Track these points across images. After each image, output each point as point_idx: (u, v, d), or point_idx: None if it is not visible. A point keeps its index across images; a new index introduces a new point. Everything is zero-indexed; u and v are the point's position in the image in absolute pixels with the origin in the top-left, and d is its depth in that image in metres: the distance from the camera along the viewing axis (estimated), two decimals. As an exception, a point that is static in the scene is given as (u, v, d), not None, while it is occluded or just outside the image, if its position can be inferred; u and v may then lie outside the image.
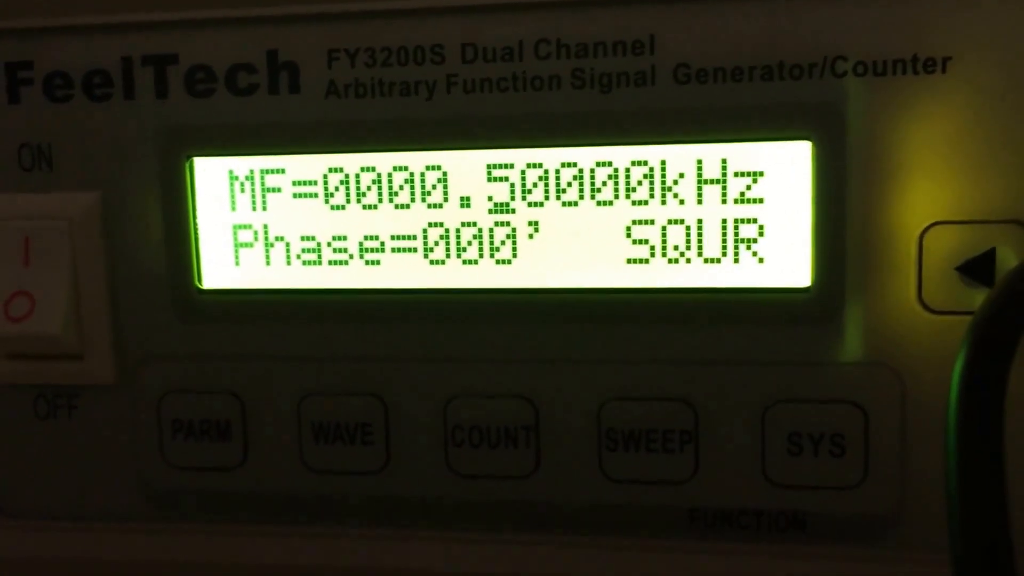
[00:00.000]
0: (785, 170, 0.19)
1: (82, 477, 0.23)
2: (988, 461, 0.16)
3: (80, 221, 0.22)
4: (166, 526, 0.23)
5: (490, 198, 0.21)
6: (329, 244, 0.21)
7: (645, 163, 0.20)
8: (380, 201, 0.21)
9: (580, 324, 0.21)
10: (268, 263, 0.22)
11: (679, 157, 0.20)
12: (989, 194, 0.19)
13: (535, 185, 0.20)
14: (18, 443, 0.23)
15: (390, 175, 0.21)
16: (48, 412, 0.23)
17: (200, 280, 0.22)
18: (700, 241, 0.20)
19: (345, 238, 0.21)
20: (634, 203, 0.20)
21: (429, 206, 0.21)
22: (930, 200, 0.19)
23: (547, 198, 0.20)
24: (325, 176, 0.21)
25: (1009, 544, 0.16)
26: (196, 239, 0.22)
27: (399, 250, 0.21)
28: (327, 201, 0.21)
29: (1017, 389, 0.16)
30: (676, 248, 0.20)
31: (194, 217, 0.22)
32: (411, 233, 0.21)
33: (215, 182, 0.21)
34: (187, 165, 0.21)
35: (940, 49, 0.19)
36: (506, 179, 0.20)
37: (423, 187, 0.21)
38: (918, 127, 0.19)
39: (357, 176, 0.21)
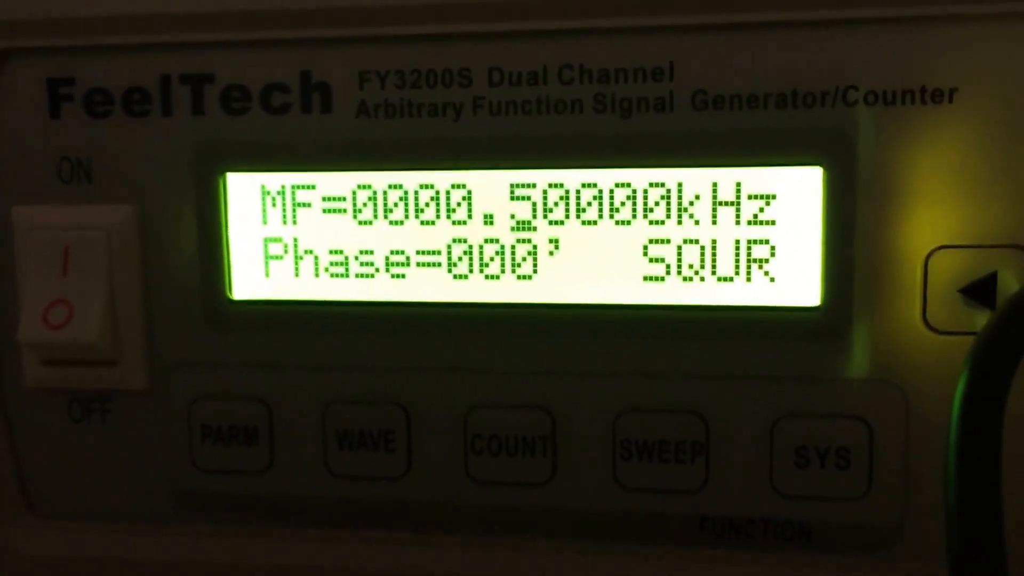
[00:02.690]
0: (797, 194, 0.21)
1: (113, 479, 0.24)
2: (986, 476, 0.17)
3: (117, 232, 0.23)
4: (194, 528, 0.24)
5: (512, 216, 0.22)
6: (356, 258, 0.22)
7: (662, 185, 0.21)
8: (406, 217, 0.22)
9: (597, 338, 0.22)
10: (297, 275, 0.23)
11: (695, 179, 0.21)
12: (991, 220, 0.20)
13: (556, 204, 0.21)
14: (52, 446, 0.24)
15: (416, 192, 0.22)
16: (81, 416, 0.24)
17: (231, 291, 0.23)
18: (714, 260, 0.21)
19: (372, 252, 0.22)
20: (651, 223, 0.21)
21: (453, 223, 0.22)
22: (935, 225, 0.20)
23: (567, 217, 0.21)
24: (354, 192, 0.22)
25: (1003, 554, 0.17)
26: (228, 251, 0.23)
27: (424, 264, 0.22)
28: (355, 216, 0.22)
29: (1016, 406, 0.17)
30: (691, 267, 0.21)
31: (226, 230, 0.23)
32: (436, 248, 0.22)
33: (247, 197, 0.23)
34: (221, 180, 0.23)
35: (947, 81, 0.20)
36: (528, 198, 0.22)
37: (448, 204, 0.22)
38: (925, 155, 0.20)
39: (385, 193, 0.22)
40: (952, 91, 0.20)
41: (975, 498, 0.17)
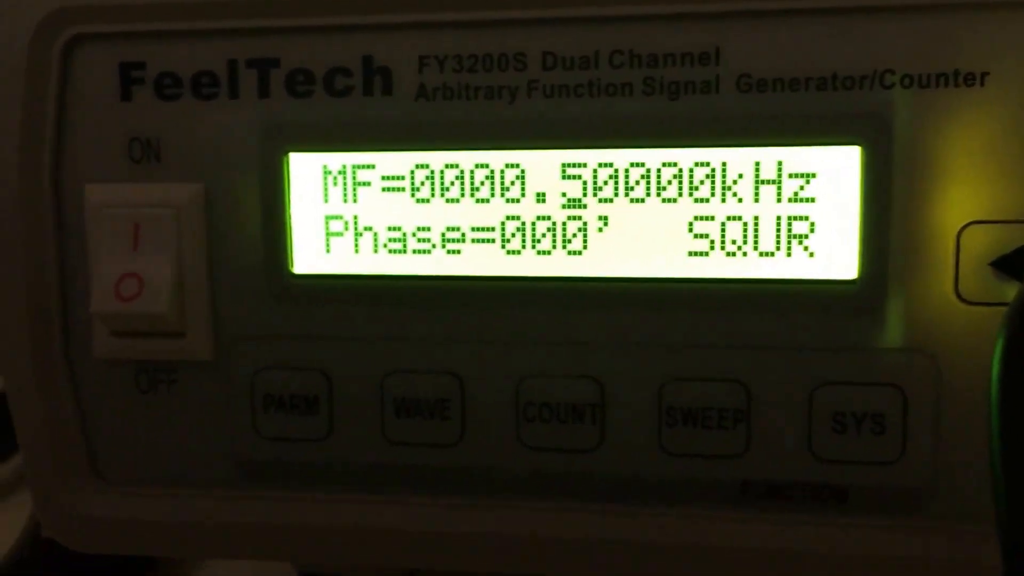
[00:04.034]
0: (836, 172, 0.23)
1: (177, 447, 0.26)
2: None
3: (185, 209, 0.25)
4: (254, 493, 0.26)
5: (564, 194, 0.24)
6: (414, 234, 0.24)
7: (707, 164, 0.23)
8: (462, 195, 0.24)
9: (644, 311, 0.24)
10: (357, 251, 0.25)
11: (739, 159, 0.23)
12: (1020, 197, 0.22)
13: (605, 183, 0.24)
14: (119, 415, 0.26)
15: (472, 172, 0.24)
16: (149, 386, 0.26)
17: (293, 265, 0.25)
18: (756, 236, 0.23)
19: (429, 229, 0.24)
20: (696, 200, 0.23)
21: (507, 200, 0.24)
22: (967, 202, 0.22)
23: (616, 195, 0.24)
24: (412, 172, 0.24)
25: None
26: (290, 228, 0.25)
27: (478, 241, 0.24)
28: (413, 195, 0.24)
29: None
30: (734, 242, 0.23)
31: (289, 208, 0.25)
32: (490, 225, 0.24)
33: (310, 176, 0.25)
34: (284, 160, 0.25)
35: (979, 65, 0.22)
36: (579, 177, 0.24)
37: (502, 183, 0.24)
38: (958, 135, 0.22)
39: (442, 172, 0.24)
40: (984, 75, 0.22)
41: (1017, 451, 0.19)
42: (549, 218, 0.24)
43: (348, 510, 0.26)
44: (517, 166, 0.24)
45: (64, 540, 0.27)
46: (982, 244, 0.22)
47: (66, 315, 0.26)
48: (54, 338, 0.26)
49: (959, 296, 0.22)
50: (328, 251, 0.25)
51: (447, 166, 0.24)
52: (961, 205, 0.22)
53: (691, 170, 0.23)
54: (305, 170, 0.25)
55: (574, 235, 0.24)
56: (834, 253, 0.23)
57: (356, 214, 0.25)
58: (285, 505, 0.26)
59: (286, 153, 0.25)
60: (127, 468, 0.26)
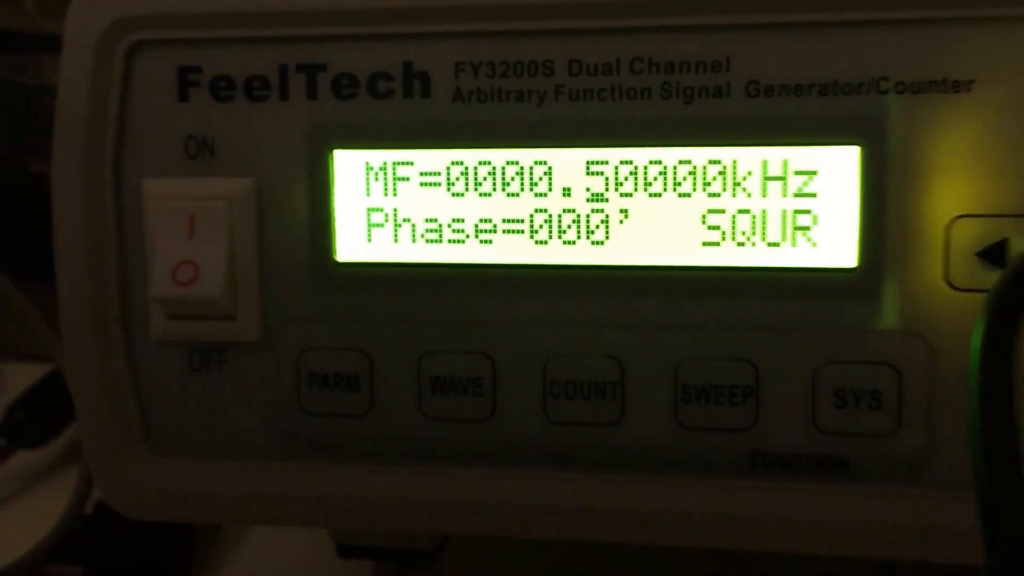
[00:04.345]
0: (836, 170, 0.25)
1: (227, 421, 0.28)
2: (1003, 402, 0.22)
3: (237, 202, 0.27)
4: (298, 465, 0.28)
5: (588, 189, 0.26)
6: (449, 225, 0.27)
7: (719, 162, 0.26)
8: (494, 190, 0.27)
9: (661, 296, 0.26)
10: (396, 241, 0.27)
11: (748, 157, 0.25)
12: (1004, 193, 0.24)
13: (626, 179, 0.26)
14: (172, 392, 0.29)
15: (503, 168, 0.26)
16: (200, 365, 0.28)
17: (336, 253, 0.27)
18: (764, 228, 0.26)
19: (463, 220, 0.27)
20: (709, 195, 0.26)
21: (536, 195, 0.26)
22: (956, 197, 0.24)
23: (636, 190, 0.26)
24: (448, 168, 0.27)
25: (1019, 470, 0.21)
26: (334, 219, 0.27)
27: (509, 231, 0.27)
28: (448, 189, 0.27)
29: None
30: (743, 233, 0.26)
31: (333, 200, 0.27)
32: (520, 217, 0.27)
33: (353, 171, 0.27)
34: (329, 157, 0.27)
35: (966, 73, 0.24)
36: (602, 173, 0.26)
37: (531, 179, 0.26)
38: (947, 137, 0.24)
39: (475, 168, 0.27)
40: (970, 82, 0.24)
41: (994, 418, 0.21)
42: (574, 211, 0.26)
43: (386, 481, 0.28)
44: (545, 163, 0.26)
45: (120, 508, 0.29)
46: (969, 236, 0.25)
47: (124, 300, 0.28)
48: (113, 321, 0.28)
49: (949, 283, 0.25)
50: (369, 240, 0.27)
51: (480, 163, 0.27)
52: (950, 200, 0.25)
53: (704, 167, 0.26)
54: (349, 166, 0.27)
55: (597, 226, 0.26)
56: (835, 243, 0.25)
57: (396, 207, 0.27)
58: (327, 476, 0.28)
59: (331, 150, 0.27)
60: (179, 441, 0.29)
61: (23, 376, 0.52)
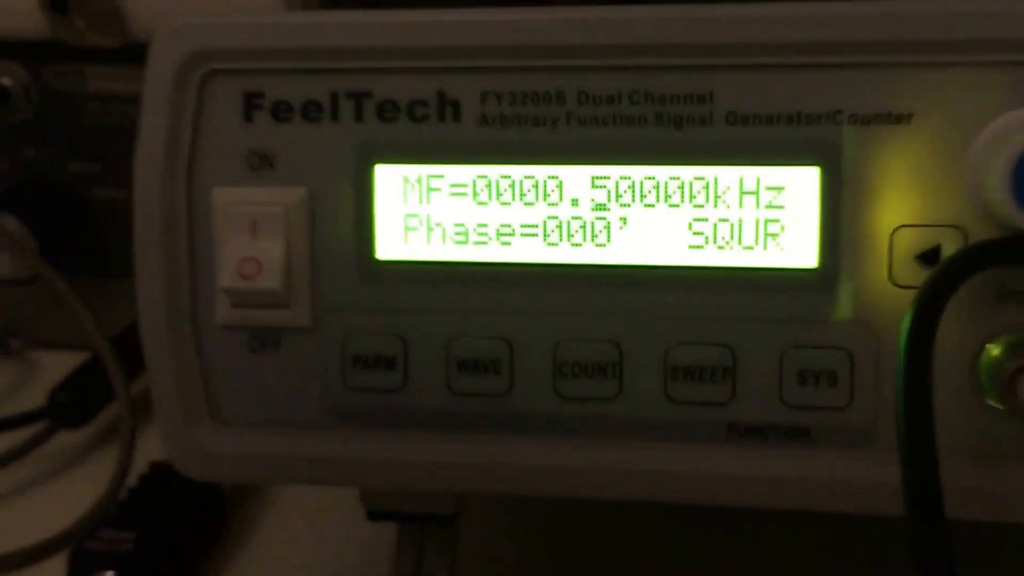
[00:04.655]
0: (800, 187, 0.30)
1: (280, 396, 0.33)
2: (923, 379, 0.27)
3: (293, 208, 0.32)
4: (342, 433, 0.33)
5: (592, 200, 0.31)
6: (474, 230, 0.32)
7: (703, 179, 0.31)
8: (513, 200, 0.32)
9: (654, 290, 0.31)
10: (428, 242, 0.32)
11: (727, 175, 0.31)
12: (938, 207, 0.29)
13: (625, 191, 0.31)
14: (234, 370, 0.34)
15: (521, 181, 0.32)
16: (258, 347, 0.33)
17: (377, 253, 0.32)
18: (740, 234, 0.31)
19: (486, 225, 0.32)
20: (695, 206, 0.31)
21: (548, 204, 0.32)
22: (898, 210, 0.30)
23: (633, 201, 0.31)
24: (474, 181, 0.32)
25: (933, 436, 0.27)
26: (375, 223, 0.32)
27: (525, 235, 0.32)
28: (474, 199, 0.32)
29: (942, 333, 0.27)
30: (723, 238, 0.31)
31: (374, 207, 0.32)
32: (535, 223, 0.32)
33: (392, 183, 0.32)
34: (372, 170, 0.32)
35: (907, 109, 0.29)
36: (604, 187, 0.31)
37: (545, 191, 0.32)
38: (891, 161, 0.30)
39: (497, 181, 0.32)
40: (910, 115, 0.29)
41: (915, 390, 0.27)
42: (581, 218, 0.31)
43: (417, 447, 0.33)
44: (556, 177, 0.31)
45: (186, 471, 0.34)
46: (909, 242, 0.30)
47: (193, 290, 0.33)
48: (184, 308, 0.33)
49: (892, 281, 0.30)
50: (406, 242, 0.32)
51: (502, 177, 0.32)
52: (894, 213, 0.30)
53: (691, 183, 0.31)
54: (388, 178, 0.32)
55: (600, 231, 0.31)
56: (799, 247, 0.31)
57: (429, 213, 0.32)
58: (366, 442, 0.33)
59: (373, 165, 0.32)
60: (239, 412, 0.34)
61: (58, 364, 0.56)
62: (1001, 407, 0.29)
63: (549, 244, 0.32)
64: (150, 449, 0.47)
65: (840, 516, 0.32)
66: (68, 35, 0.51)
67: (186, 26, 0.32)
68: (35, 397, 0.53)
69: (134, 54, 0.50)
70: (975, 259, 0.28)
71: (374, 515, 0.38)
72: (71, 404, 0.51)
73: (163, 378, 0.33)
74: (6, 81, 0.53)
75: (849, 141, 0.30)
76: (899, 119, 0.30)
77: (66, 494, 0.49)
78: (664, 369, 0.32)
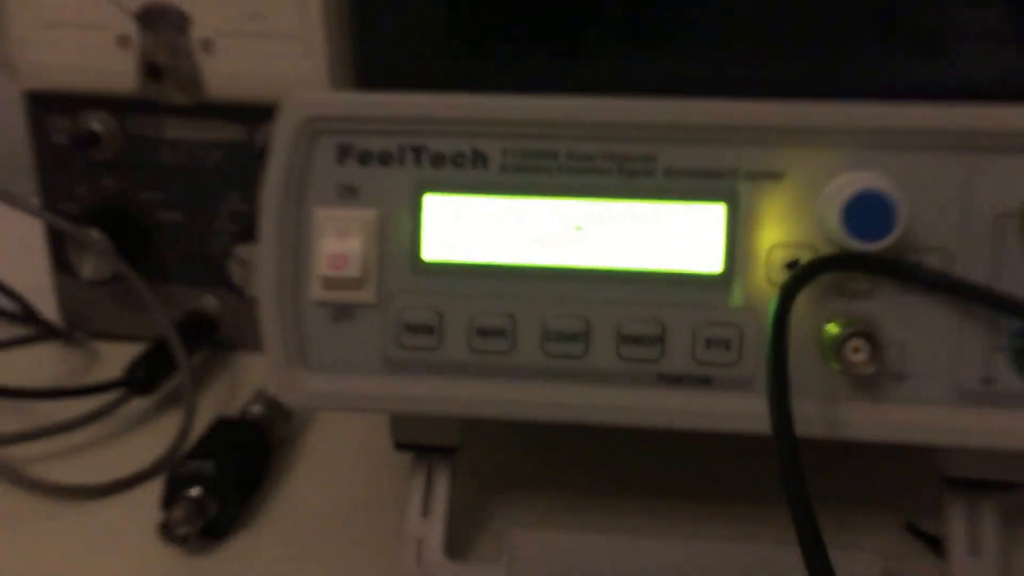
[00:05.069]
0: (712, 218, 0.47)
1: (353, 351, 0.49)
2: (782, 345, 0.44)
3: (369, 223, 0.48)
4: (397, 380, 0.49)
5: (574, 223, 0.47)
6: (492, 240, 0.48)
7: (648, 210, 0.47)
8: (519, 220, 0.48)
9: (614, 283, 0.47)
10: (459, 248, 0.48)
11: (664, 208, 0.47)
12: (799, 233, 0.46)
13: (595, 217, 0.47)
14: (321, 333, 0.49)
15: (526, 209, 0.48)
16: (339, 317, 0.49)
17: (423, 255, 0.48)
18: (671, 247, 0.47)
19: (500, 238, 0.48)
20: (642, 228, 0.47)
21: (543, 224, 0.48)
22: (773, 234, 0.46)
23: (601, 224, 0.47)
24: (494, 208, 0.48)
25: (788, 382, 0.43)
26: (422, 234, 0.48)
27: (526, 244, 0.48)
28: (493, 220, 0.48)
29: (798, 315, 0.44)
30: (660, 251, 0.47)
31: (422, 223, 0.48)
32: (533, 237, 0.48)
33: (437, 208, 0.48)
34: (422, 199, 0.48)
35: (780, 169, 0.46)
36: (582, 214, 0.47)
37: (541, 215, 0.48)
38: (770, 202, 0.46)
39: (510, 208, 0.48)
40: (783, 174, 0.46)
41: (777, 352, 0.43)
42: (564, 234, 0.48)
43: (447, 387, 0.48)
44: (556, 207, 0.48)
45: (287, 401, 0.49)
46: (780, 255, 0.46)
47: (297, 277, 0.49)
48: (289, 289, 0.49)
49: (768, 281, 0.47)
50: (443, 248, 0.48)
51: (513, 205, 0.48)
52: (770, 235, 0.46)
53: (640, 213, 0.47)
54: (435, 205, 0.48)
55: (577, 243, 0.47)
56: (710, 258, 0.47)
57: (460, 229, 0.48)
58: (411, 384, 0.49)
59: (424, 195, 0.48)
60: (323, 362, 0.49)
61: (115, 353, 0.71)
62: (836, 367, 0.46)
63: (542, 251, 0.48)
64: (206, 408, 0.62)
65: (737, 437, 0.48)
66: (155, 94, 0.66)
67: (302, 99, 0.48)
68: (98, 377, 0.67)
69: (203, 109, 0.66)
70: (817, 266, 0.45)
71: (399, 446, 0.53)
72: (144, 376, 0.65)
73: (273, 337, 0.49)
74: (97, 126, 0.68)
75: (744, 189, 0.46)
76: (775, 176, 0.46)
77: (141, 444, 0.63)
78: (616, 337, 0.48)
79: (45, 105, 0.68)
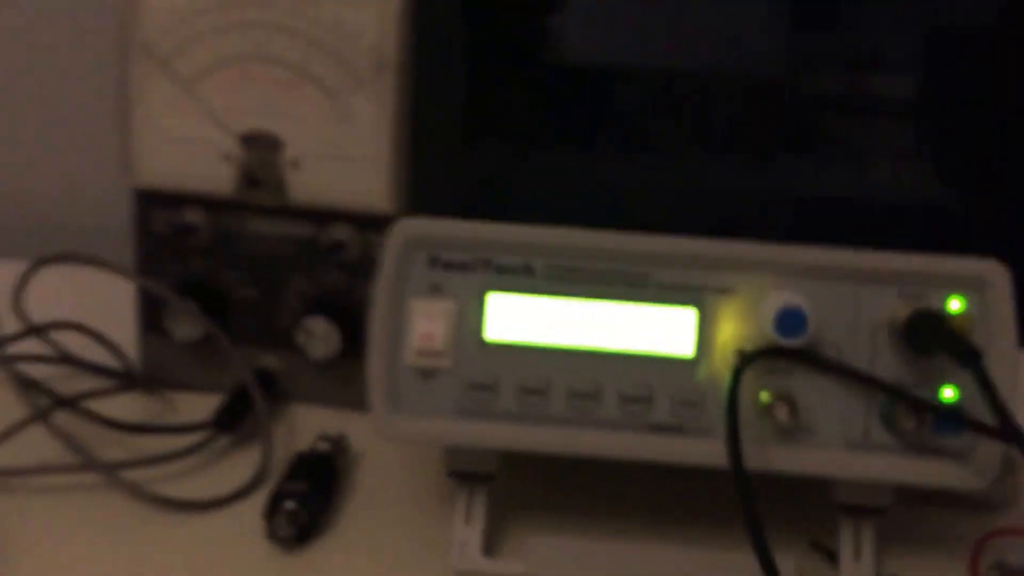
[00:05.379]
0: (686, 318, 0.69)
1: (434, 401, 0.70)
2: (735, 406, 0.66)
3: (449, 311, 0.68)
4: (465, 423, 0.70)
5: (593, 316, 0.69)
6: (534, 328, 0.69)
7: (642, 310, 0.69)
8: (555, 316, 0.69)
9: (615, 361, 0.69)
10: (511, 333, 0.69)
11: (652, 309, 0.69)
12: (746, 330, 0.69)
13: (607, 314, 0.69)
14: (411, 387, 0.69)
15: (560, 306, 0.69)
16: (424, 377, 0.69)
17: (485, 335, 0.70)
18: (658, 336, 0.69)
19: (539, 326, 0.69)
20: (638, 322, 0.69)
21: (572, 318, 0.69)
22: (729, 330, 0.69)
23: (610, 318, 0.69)
24: (537, 305, 0.69)
25: (738, 430, 0.66)
26: (485, 322, 0.69)
27: (558, 331, 0.70)
28: (536, 314, 0.69)
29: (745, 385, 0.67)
30: (650, 338, 0.69)
31: (486, 315, 0.69)
32: (563, 326, 0.69)
33: (496, 303, 0.69)
34: (487, 296, 0.69)
35: (731, 286, 0.69)
36: (599, 310, 0.69)
37: (571, 312, 0.69)
38: (727, 309, 0.69)
39: (549, 306, 0.69)
40: (734, 288, 0.69)
41: (732, 411, 0.65)
42: (583, 324, 0.69)
43: (499, 428, 0.69)
44: (580, 305, 0.69)
45: (385, 437, 0.70)
46: (732, 345, 0.69)
47: (395, 347, 0.69)
48: (389, 355, 0.69)
49: (724, 362, 0.69)
50: (501, 332, 0.69)
51: (551, 304, 0.69)
52: (726, 331, 0.69)
53: (637, 311, 0.69)
54: (496, 301, 0.69)
55: (593, 330, 0.69)
56: (684, 345, 0.69)
57: (512, 318, 0.70)
58: (473, 426, 0.70)
59: (487, 293, 0.69)
60: (412, 407, 0.70)
61: (184, 400, 0.90)
62: (767, 421, 0.68)
63: (569, 335, 0.69)
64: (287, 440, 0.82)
65: (700, 469, 0.70)
66: (247, 198, 0.86)
67: (407, 223, 0.69)
68: (173, 420, 0.86)
69: (283, 210, 0.86)
70: (757, 355, 0.67)
71: (451, 473, 0.74)
72: (228, 418, 0.85)
73: (377, 389, 0.69)
74: (193, 219, 0.87)
75: (708, 299, 0.68)
76: (729, 291, 0.69)
77: (224, 471, 0.82)
78: (619, 396, 0.69)
79: (152, 199, 0.86)
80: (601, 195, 1.15)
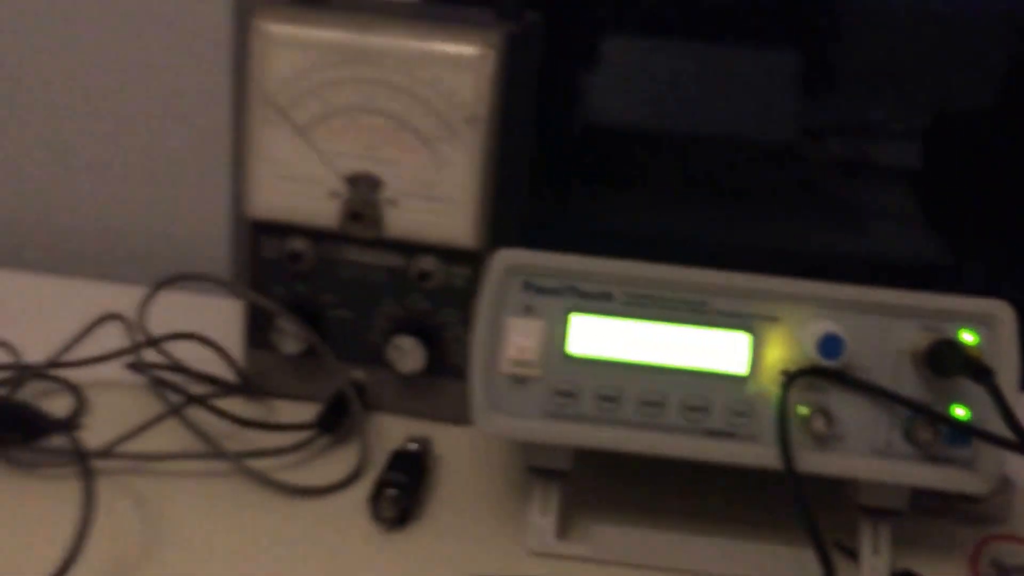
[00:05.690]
0: (742, 341, 0.81)
1: (525, 404, 0.82)
2: (785, 416, 0.79)
3: (538, 329, 0.81)
4: (551, 423, 0.83)
5: (663, 336, 0.82)
6: (611, 345, 0.82)
7: (704, 334, 0.82)
8: (630, 335, 0.82)
9: (681, 376, 0.82)
10: (591, 348, 0.82)
11: (712, 333, 0.81)
12: (791, 353, 0.82)
13: (675, 335, 0.82)
14: (506, 392, 0.82)
15: (634, 327, 0.82)
16: (517, 383, 0.82)
17: (568, 350, 0.82)
18: (716, 355, 0.82)
19: (616, 344, 0.82)
20: (700, 342, 0.82)
21: (645, 338, 0.82)
22: (776, 353, 0.82)
23: (679, 339, 0.82)
24: (614, 326, 0.82)
25: (790, 438, 0.79)
26: (567, 338, 0.82)
27: (632, 348, 0.82)
28: (613, 334, 0.82)
29: (791, 400, 0.80)
30: (710, 357, 0.81)
31: (568, 333, 0.82)
32: (637, 344, 0.82)
33: (579, 323, 0.82)
34: (570, 317, 0.82)
35: (776, 315, 0.82)
36: (668, 333, 0.82)
37: (644, 333, 0.82)
38: (774, 334, 0.81)
39: (625, 327, 0.82)
40: (778, 318, 0.82)
41: (782, 420, 0.78)
42: (655, 343, 0.82)
43: (580, 429, 0.82)
44: (650, 327, 0.82)
45: (485, 431, 0.82)
46: (779, 366, 0.82)
47: (493, 358, 0.82)
48: (487, 365, 0.82)
49: (772, 380, 0.82)
50: (582, 347, 0.82)
51: (627, 326, 0.82)
52: (774, 354, 0.81)
53: (700, 333, 0.82)
54: (577, 321, 0.82)
55: (663, 349, 0.82)
56: (739, 364, 0.81)
57: (592, 337, 0.82)
58: (557, 426, 0.83)
59: (571, 314, 0.82)
60: (507, 408, 0.82)
61: (282, 406, 1.03)
62: (806, 431, 0.81)
63: (641, 352, 0.82)
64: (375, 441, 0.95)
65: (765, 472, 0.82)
66: (348, 229, 0.99)
67: (505, 253, 0.81)
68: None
69: (378, 242, 0.99)
70: (800, 373, 0.80)
71: (532, 469, 0.87)
72: (330, 420, 0.98)
73: (478, 393, 0.82)
74: (299, 247, 1.00)
75: (759, 325, 0.81)
76: (776, 320, 0.82)
77: (326, 465, 0.95)
78: (681, 406, 0.82)
79: (264, 229, 0.99)
80: (630, 236, 1.30)
